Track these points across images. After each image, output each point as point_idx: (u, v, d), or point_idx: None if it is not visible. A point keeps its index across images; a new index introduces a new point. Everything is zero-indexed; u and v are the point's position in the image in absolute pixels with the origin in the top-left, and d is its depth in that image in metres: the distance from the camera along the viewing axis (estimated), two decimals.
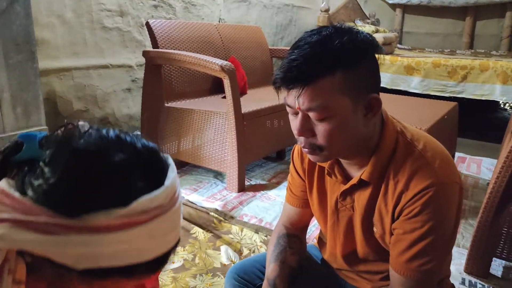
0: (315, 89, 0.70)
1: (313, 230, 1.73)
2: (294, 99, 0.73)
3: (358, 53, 0.72)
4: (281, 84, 0.74)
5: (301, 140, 0.78)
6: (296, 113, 0.76)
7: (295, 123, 0.77)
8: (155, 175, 0.46)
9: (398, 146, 0.79)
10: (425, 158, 0.77)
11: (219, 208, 1.92)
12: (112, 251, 0.42)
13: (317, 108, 0.71)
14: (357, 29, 0.76)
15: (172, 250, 0.49)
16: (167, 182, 0.46)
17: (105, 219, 0.41)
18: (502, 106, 5.13)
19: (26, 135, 0.48)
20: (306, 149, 0.78)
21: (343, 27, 0.74)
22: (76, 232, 0.41)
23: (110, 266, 0.42)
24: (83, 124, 0.48)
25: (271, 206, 1.98)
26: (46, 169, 0.42)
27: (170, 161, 0.51)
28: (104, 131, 0.47)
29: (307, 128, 0.75)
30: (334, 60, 0.70)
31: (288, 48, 0.76)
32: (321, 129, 0.74)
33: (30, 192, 0.42)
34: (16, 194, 0.42)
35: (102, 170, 0.43)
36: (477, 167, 2.69)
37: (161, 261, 0.47)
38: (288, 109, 0.78)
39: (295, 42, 0.74)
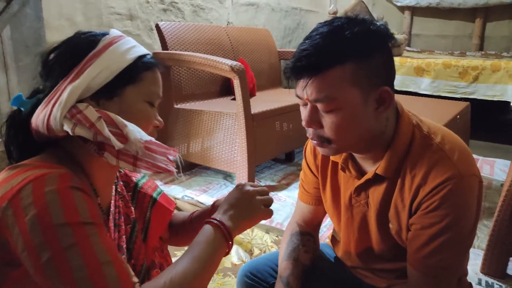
0: (323, 80, 0.69)
1: (325, 230, 1.71)
2: (302, 90, 0.72)
3: (370, 45, 0.71)
4: (290, 74, 0.73)
5: (309, 132, 0.77)
6: (305, 104, 0.75)
7: (304, 114, 0.76)
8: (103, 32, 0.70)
9: (414, 140, 0.78)
10: (443, 151, 0.75)
11: None
12: (120, 54, 0.66)
13: (325, 99, 0.70)
14: (371, 20, 0.74)
15: (142, 57, 0.69)
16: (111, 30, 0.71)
17: (101, 43, 0.66)
18: None
19: (14, 98, 0.65)
20: (315, 141, 0.77)
21: (356, 18, 0.73)
22: (98, 56, 0.64)
23: (129, 60, 0.67)
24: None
25: (281, 207, 1.96)
26: (45, 69, 0.67)
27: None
28: None
29: (315, 120, 0.74)
30: (344, 51, 0.69)
31: None
32: (328, 121, 0.73)
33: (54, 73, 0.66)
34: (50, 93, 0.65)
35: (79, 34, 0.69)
36: (490, 168, 2.65)
37: (141, 59, 0.69)
38: (298, 100, 0.77)
39: (309, 33, 0.74)
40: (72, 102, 0.62)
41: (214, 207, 0.86)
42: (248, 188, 0.76)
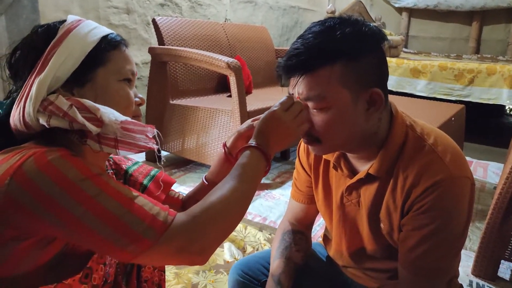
0: (313, 78, 0.70)
1: (318, 229, 1.71)
2: (293, 88, 0.73)
3: (361, 45, 0.71)
4: (281, 72, 0.74)
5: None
6: None
7: None
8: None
9: (407, 140, 0.78)
10: (435, 152, 0.75)
11: None
12: (83, 35, 0.66)
13: (315, 98, 0.71)
14: (364, 21, 0.74)
15: (105, 38, 0.68)
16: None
17: (65, 28, 0.65)
18: (508, 111, 5.10)
19: None
20: (305, 139, 0.78)
21: (350, 18, 0.73)
22: (62, 40, 0.64)
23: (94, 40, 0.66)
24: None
25: (275, 205, 1.96)
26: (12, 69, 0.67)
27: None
28: None
29: (306, 118, 0.74)
30: (334, 51, 0.69)
31: None
32: (318, 119, 0.73)
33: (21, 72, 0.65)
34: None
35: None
36: (484, 171, 2.67)
37: (105, 39, 0.68)
38: None
39: (302, 32, 0.74)
40: (43, 95, 0.61)
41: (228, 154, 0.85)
42: (274, 108, 0.75)
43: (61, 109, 0.60)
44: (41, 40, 0.64)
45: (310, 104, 0.73)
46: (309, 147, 0.80)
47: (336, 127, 0.73)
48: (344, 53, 0.69)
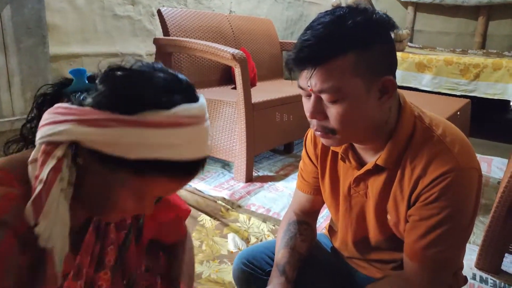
0: (327, 70, 0.69)
1: (321, 221, 1.71)
2: (306, 81, 0.71)
3: (372, 34, 0.70)
4: (293, 65, 0.72)
5: (313, 123, 0.76)
6: (309, 95, 0.74)
7: (307, 105, 0.75)
8: (191, 92, 0.56)
9: (415, 131, 0.77)
10: (444, 143, 0.74)
11: (227, 197, 1.91)
12: (159, 143, 0.50)
13: (329, 90, 0.70)
14: (373, 9, 0.73)
15: (203, 161, 0.56)
16: (201, 100, 0.56)
17: (154, 116, 0.49)
18: None
19: (76, 70, 0.57)
20: (319, 132, 0.77)
21: (358, 7, 0.72)
22: (131, 126, 0.49)
23: (156, 157, 0.50)
24: (128, 60, 0.58)
25: (278, 197, 1.97)
26: (99, 86, 0.51)
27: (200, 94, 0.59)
28: (149, 62, 0.57)
29: (319, 111, 0.73)
30: (347, 41, 0.68)
31: None
32: (333, 111, 0.72)
33: (88, 101, 0.51)
34: (75, 106, 0.51)
35: (151, 80, 0.52)
36: (488, 166, 2.66)
37: (195, 165, 0.55)
38: (301, 91, 0.76)
39: (309, 23, 0.73)
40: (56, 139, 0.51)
41: None
42: None
43: (37, 158, 0.51)
44: (118, 104, 0.52)
45: (324, 96, 0.71)
46: (323, 140, 0.79)
47: (352, 117, 0.72)
48: (356, 42, 0.68)
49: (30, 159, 0.51)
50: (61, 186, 0.50)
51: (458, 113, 2.10)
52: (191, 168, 0.55)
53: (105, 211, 0.57)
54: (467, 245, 1.59)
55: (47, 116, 0.52)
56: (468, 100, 2.40)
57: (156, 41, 2.29)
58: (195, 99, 0.55)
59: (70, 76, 0.59)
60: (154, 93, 0.51)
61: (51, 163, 0.50)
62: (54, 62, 2.36)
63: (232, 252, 1.46)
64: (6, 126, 1.90)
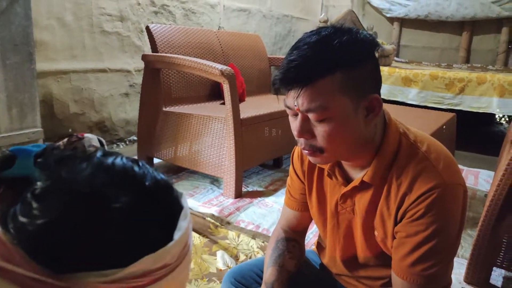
0: (314, 90, 0.69)
1: (311, 237, 1.71)
2: (293, 100, 0.72)
3: (358, 53, 0.71)
4: (280, 85, 0.72)
5: (301, 141, 0.77)
6: (296, 115, 0.75)
7: (294, 124, 0.75)
8: (162, 226, 0.39)
9: (401, 148, 0.78)
10: (429, 159, 0.75)
11: (216, 214, 1.90)
12: None
13: (317, 109, 0.70)
14: (357, 29, 0.75)
15: None
16: (177, 235, 0.38)
17: (96, 283, 0.34)
18: (498, 120, 5.16)
19: (21, 149, 0.43)
20: (306, 151, 0.77)
21: (342, 27, 0.74)
22: None
23: None
24: (89, 139, 0.42)
25: (268, 213, 1.96)
26: (35, 205, 0.35)
27: (184, 201, 0.43)
28: (109, 160, 0.39)
29: (306, 130, 0.74)
30: (334, 60, 0.69)
31: None
32: (320, 130, 0.72)
33: (12, 230, 0.35)
34: None
35: (101, 221, 0.35)
36: (475, 178, 2.69)
37: None
38: (287, 110, 0.77)
39: (294, 43, 0.73)
40: None
41: None
42: None
43: None
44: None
45: (311, 115, 0.72)
46: (310, 158, 0.79)
47: (339, 136, 0.72)
48: (343, 61, 0.69)
49: None
50: None
51: (444, 126, 2.13)
52: None
53: None
54: (456, 259, 1.59)
55: None
56: (453, 114, 2.44)
57: (144, 58, 2.29)
58: (169, 234, 0.39)
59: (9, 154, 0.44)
60: (103, 246, 0.35)
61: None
62: (42, 78, 2.35)
63: (221, 270, 1.44)
64: None
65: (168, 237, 0.37)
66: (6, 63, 1.92)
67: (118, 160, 0.40)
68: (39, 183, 0.37)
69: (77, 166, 0.38)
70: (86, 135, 0.43)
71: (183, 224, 0.39)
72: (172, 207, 0.41)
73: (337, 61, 0.69)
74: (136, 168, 0.40)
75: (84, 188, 0.36)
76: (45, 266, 0.34)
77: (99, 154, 0.40)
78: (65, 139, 0.43)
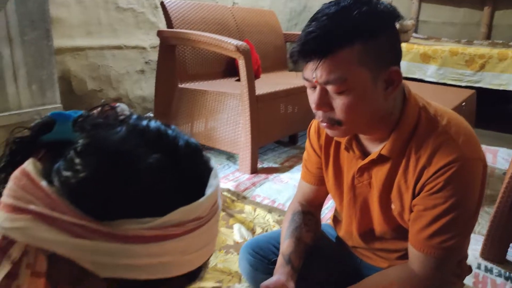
0: (333, 61, 0.69)
1: (326, 212, 1.72)
2: (312, 72, 0.71)
3: (378, 24, 0.70)
4: (298, 57, 0.72)
5: (319, 114, 0.77)
6: (314, 87, 0.74)
7: (313, 97, 0.75)
8: (194, 182, 0.41)
9: (420, 121, 0.78)
10: (448, 133, 0.75)
11: (232, 189, 1.92)
12: (140, 263, 0.38)
13: (335, 81, 0.70)
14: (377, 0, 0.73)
15: (204, 265, 0.44)
16: (209, 191, 0.41)
17: (137, 229, 0.37)
18: None
19: (60, 113, 0.45)
20: (325, 124, 0.77)
21: None
22: (104, 239, 0.37)
23: (136, 278, 0.38)
24: (122, 108, 0.45)
25: (283, 188, 1.97)
26: (77, 160, 0.38)
27: (213, 164, 0.45)
28: (144, 123, 0.42)
29: (325, 102, 0.74)
30: (353, 31, 0.68)
31: None
32: (339, 102, 0.72)
33: (57, 183, 0.38)
34: (43, 183, 0.38)
35: (138, 173, 0.38)
36: (493, 157, 2.65)
37: (192, 276, 0.43)
38: (306, 83, 0.76)
39: (313, 15, 0.72)
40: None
41: None
42: None
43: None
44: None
45: (329, 87, 0.71)
46: (328, 131, 0.80)
47: (358, 109, 0.72)
48: (363, 32, 0.68)
49: None
50: None
51: (464, 104, 2.10)
52: (184, 281, 0.43)
53: None
54: (472, 235, 1.59)
55: (10, 188, 0.40)
56: (473, 91, 2.39)
57: (159, 34, 2.28)
58: (201, 191, 0.41)
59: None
60: (141, 195, 0.38)
61: (4, 268, 0.39)
62: (59, 55, 2.37)
63: (237, 242, 1.47)
64: (13, 119, 1.91)
65: (200, 193, 0.41)
66: (25, 39, 1.94)
67: (152, 123, 0.42)
68: (80, 141, 0.40)
69: (113, 128, 0.41)
70: (118, 104, 0.45)
71: (214, 182, 0.42)
72: (202, 167, 0.44)
73: (356, 32, 0.68)
74: (169, 131, 0.42)
75: (121, 145, 0.39)
76: (89, 214, 0.37)
77: (134, 117, 0.43)
78: (99, 108, 0.45)
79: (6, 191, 0.40)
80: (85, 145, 0.39)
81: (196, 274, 0.43)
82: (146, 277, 0.39)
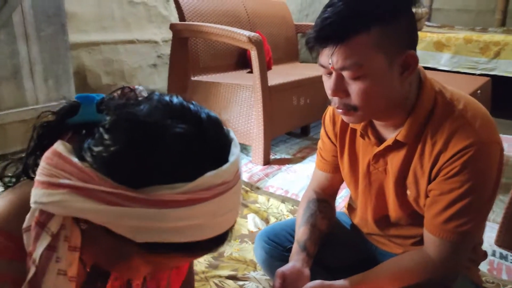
0: (349, 47, 0.69)
1: (340, 201, 1.73)
2: (328, 58, 0.71)
3: (394, 8, 0.70)
4: (314, 43, 0.72)
5: (335, 100, 0.77)
6: (330, 73, 0.75)
7: (328, 83, 0.76)
8: (219, 150, 0.45)
9: (436, 106, 0.77)
10: (465, 118, 0.75)
11: (245, 180, 1.94)
12: (174, 226, 0.40)
13: (351, 67, 0.70)
14: None
15: (230, 229, 0.47)
16: (232, 158, 0.44)
17: (169, 194, 0.39)
18: None
19: (84, 96, 0.47)
20: (340, 110, 0.77)
21: None
22: (139, 205, 0.39)
23: (171, 241, 0.41)
24: (141, 89, 0.48)
25: (296, 179, 1.98)
26: (106, 136, 0.41)
27: (233, 134, 0.49)
28: (167, 98, 0.45)
29: (341, 88, 0.74)
30: (369, 17, 0.68)
31: None
32: (355, 88, 0.72)
33: (89, 159, 0.40)
34: (75, 160, 0.40)
35: (167, 142, 0.41)
36: (508, 145, 2.62)
37: (220, 239, 0.46)
38: (321, 69, 0.77)
39: (329, 1, 0.73)
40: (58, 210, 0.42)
41: None
42: None
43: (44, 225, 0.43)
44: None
45: (345, 73, 0.72)
46: (344, 117, 0.80)
47: (374, 94, 0.72)
48: (379, 17, 0.68)
49: (24, 225, 0.43)
50: (58, 267, 0.42)
51: (479, 91, 2.07)
52: (213, 244, 0.46)
53: (118, 269, 0.50)
54: (487, 223, 1.58)
55: (43, 167, 0.42)
56: (488, 78, 2.36)
57: (172, 27, 2.30)
58: (225, 158, 0.44)
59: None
60: (172, 162, 0.41)
61: (44, 241, 0.42)
62: (74, 50, 2.40)
63: (252, 231, 1.49)
64: (30, 114, 1.96)
65: (225, 160, 0.44)
66: (41, 35, 1.97)
67: (175, 98, 0.46)
68: (107, 118, 0.43)
69: (138, 106, 0.44)
70: (137, 87, 0.48)
71: (235, 150, 0.46)
72: (224, 137, 0.47)
73: (372, 17, 0.68)
74: (191, 105, 0.46)
75: (148, 117, 0.42)
76: (123, 184, 0.40)
77: (157, 94, 0.46)
78: (119, 90, 0.48)
79: (39, 171, 0.42)
80: (113, 121, 0.42)
81: (223, 238, 0.46)
82: (179, 240, 0.41)
